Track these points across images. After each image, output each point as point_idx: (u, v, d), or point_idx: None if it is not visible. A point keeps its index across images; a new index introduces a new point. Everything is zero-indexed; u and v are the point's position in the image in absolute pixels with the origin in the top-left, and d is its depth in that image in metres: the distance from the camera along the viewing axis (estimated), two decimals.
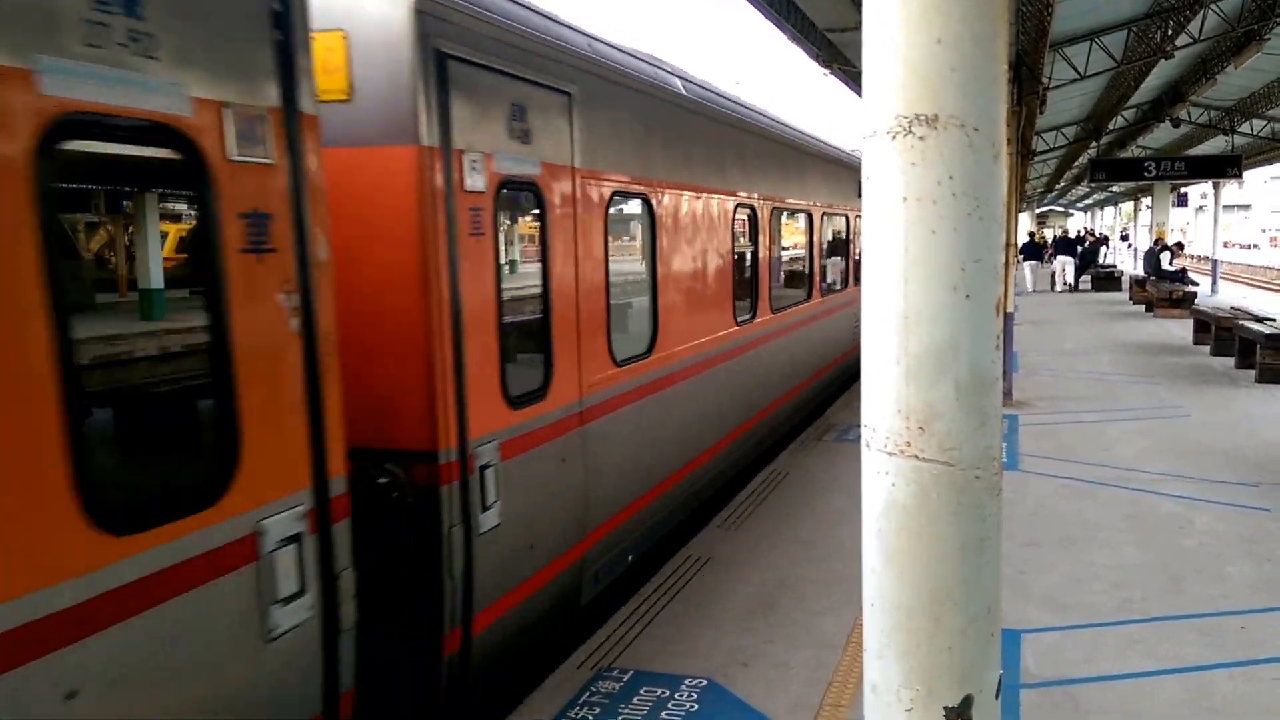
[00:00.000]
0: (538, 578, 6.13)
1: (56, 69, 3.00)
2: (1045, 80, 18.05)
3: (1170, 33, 17.73)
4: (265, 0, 3.86)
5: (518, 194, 6.04)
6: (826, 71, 18.63)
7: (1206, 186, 40.08)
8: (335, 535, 4.19)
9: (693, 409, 8.91)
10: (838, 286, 15.82)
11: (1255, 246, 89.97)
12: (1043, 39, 14.47)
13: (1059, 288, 39.15)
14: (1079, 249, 41.85)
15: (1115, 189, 52.07)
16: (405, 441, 5.08)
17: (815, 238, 13.95)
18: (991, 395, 2.20)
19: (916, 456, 2.19)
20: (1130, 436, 11.93)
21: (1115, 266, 44.22)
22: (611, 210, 7.15)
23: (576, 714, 5.53)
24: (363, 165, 4.97)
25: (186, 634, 3.49)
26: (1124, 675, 5.84)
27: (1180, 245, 38.05)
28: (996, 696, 2.33)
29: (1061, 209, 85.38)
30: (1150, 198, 39.65)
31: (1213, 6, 16.76)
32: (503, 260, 5.89)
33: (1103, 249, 47.84)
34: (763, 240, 11.24)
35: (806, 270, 13.96)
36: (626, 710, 5.56)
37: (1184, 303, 26.10)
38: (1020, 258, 35.43)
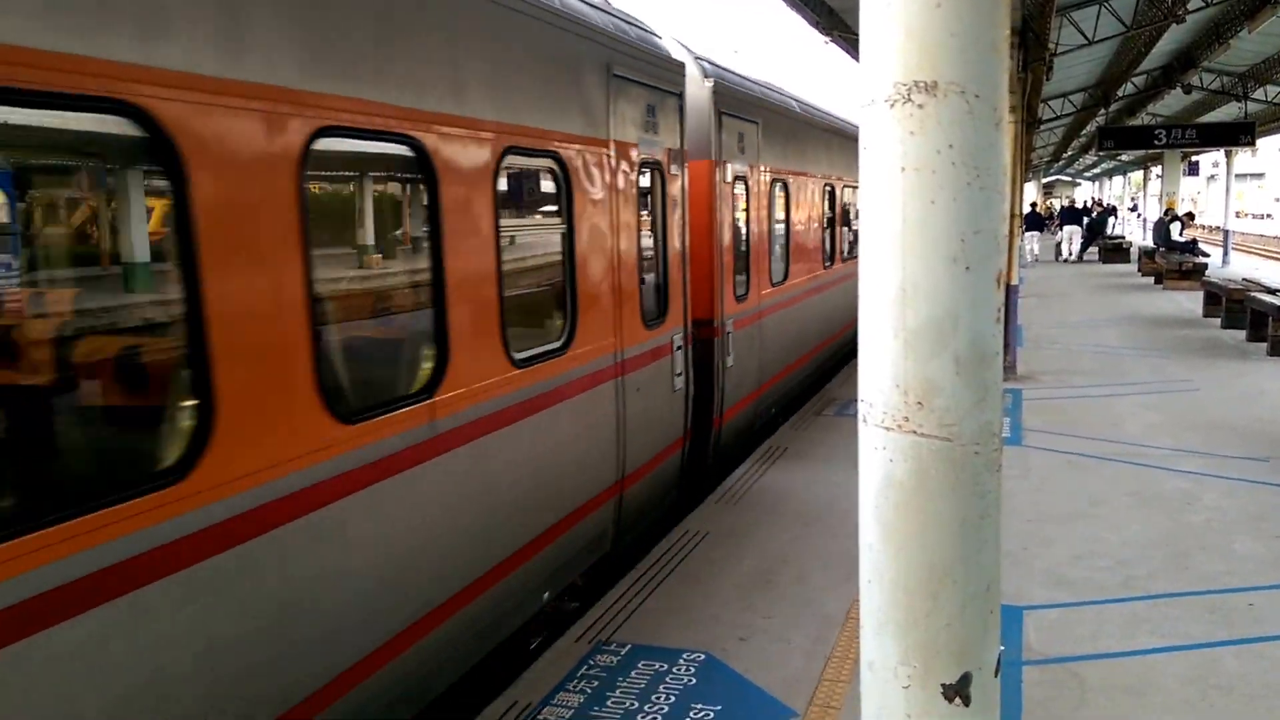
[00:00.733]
0: (743, 402, 10.83)
1: (643, 141, 7.76)
2: (1052, 46, 17.86)
3: None
4: (680, 99, 8.66)
5: (740, 181, 10.74)
6: (827, 39, 18.48)
7: (1218, 155, 39.77)
8: (689, 351, 8.92)
9: (803, 322, 13.72)
10: None
11: (1269, 216, 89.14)
12: (1049, 3, 14.31)
13: (1064, 258, 39.15)
14: (1085, 219, 41.71)
15: (1124, 158, 51.77)
16: (704, 315, 9.68)
17: None
18: (992, 369, 2.15)
19: (915, 432, 2.14)
20: (1137, 411, 11.88)
21: (1124, 237, 43.99)
22: (773, 189, 12.13)
23: (575, 687, 5.54)
24: (692, 169, 9.21)
25: (662, 376, 8.26)
26: (1129, 653, 5.81)
27: (1191, 215, 37.86)
28: (996, 674, 2.30)
29: (1069, 179, 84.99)
30: (1160, 166, 39.51)
31: None
32: (736, 217, 10.63)
33: (1111, 219, 47.63)
34: (838, 208, 16.10)
35: None
36: (624, 683, 5.56)
37: (1194, 274, 26.00)
38: (1023, 228, 35.34)
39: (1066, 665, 5.65)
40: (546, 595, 6.43)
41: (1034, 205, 42.61)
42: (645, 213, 8.00)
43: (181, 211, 3.63)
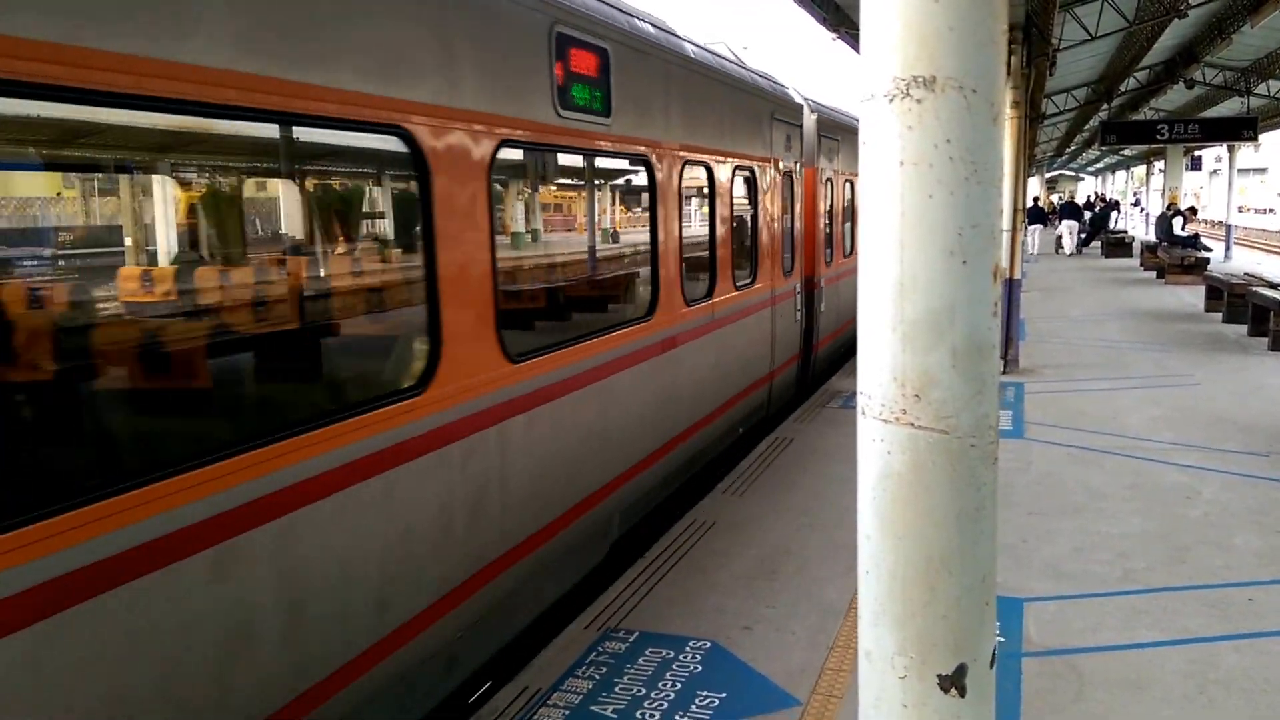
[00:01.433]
0: (827, 338, 14.76)
1: (784, 157, 12.31)
2: (1055, 41, 17.85)
3: None
4: (800, 129, 12.98)
5: (829, 182, 14.72)
6: (834, 35, 18.48)
7: (1221, 149, 39.83)
8: (801, 296, 13.03)
9: (851, 294, 15.90)
10: None
11: (1271, 211, 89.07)
12: None
13: (1063, 251, 39.44)
14: (1088, 214, 41.83)
15: (1127, 152, 51.76)
16: (809, 273, 13.66)
17: None
18: (988, 363, 2.17)
19: (912, 424, 2.16)
20: (1138, 405, 11.89)
21: (1126, 232, 43.98)
22: (846, 187, 16.06)
23: (583, 674, 5.58)
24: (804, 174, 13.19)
25: (791, 310, 12.53)
26: (1127, 646, 5.83)
27: (1193, 210, 37.80)
28: (991, 666, 2.31)
29: (1072, 173, 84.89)
30: (1163, 161, 39.47)
31: None
32: (826, 207, 14.56)
33: (1113, 214, 47.63)
34: None
35: None
36: (632, 670, 5.60)
37: (1196, 269, 25.97)
38: (1026, 222, 35.45)
39: (1065, 658, 5.67)
40: (740, 430, 10.87)
41: (1036, 200, 42.66)
42: (784, 203, 12.20)
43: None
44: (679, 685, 5.44)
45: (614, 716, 5.15)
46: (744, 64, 11.39)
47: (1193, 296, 22.27)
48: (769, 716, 5.15)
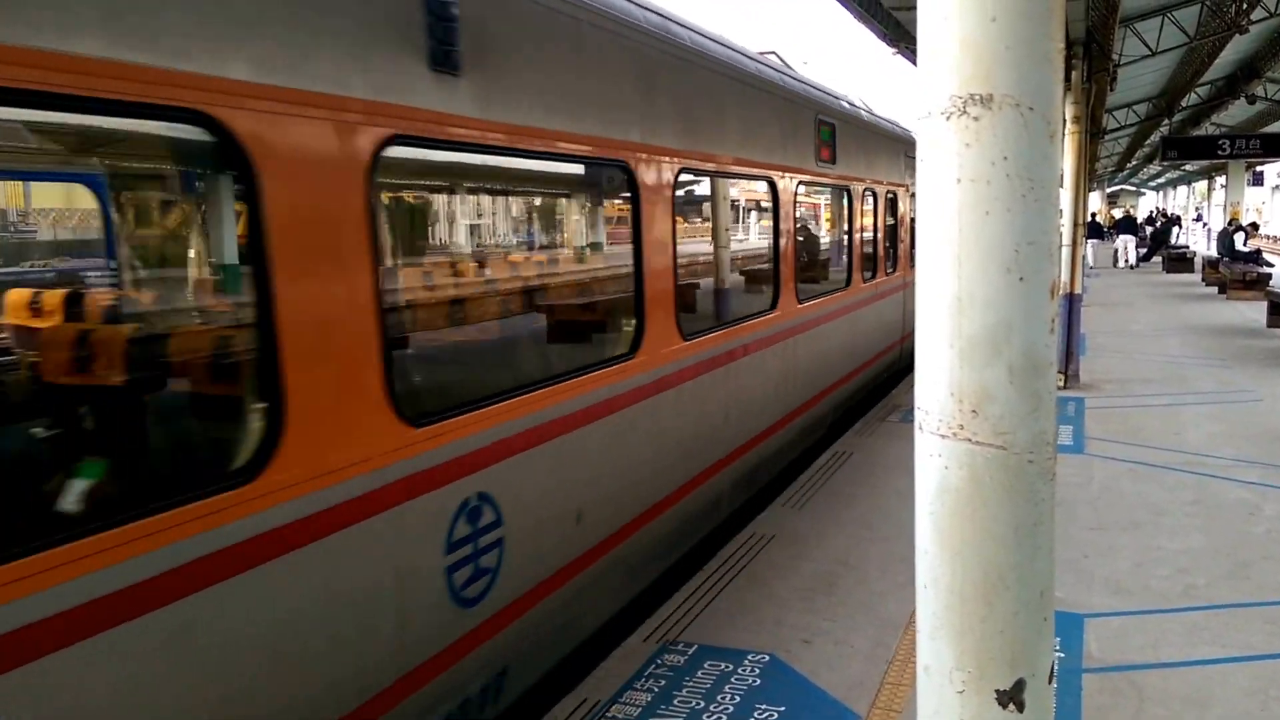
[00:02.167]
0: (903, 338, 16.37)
1: (908, 182, 16.40)
2: (1115, 57, 17.70)
3: (1245, 6, 17.31)
4: (913, 158, 13.29)
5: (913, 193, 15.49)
6: (894, 50, 18.50)
7: None
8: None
9: None
10: None
11: None
12: (1113, 14, 14.19)
13: (1120, 265, 39.16)
14: (1149, 229, 41.44)
15: (1188, 167, 51.06)
16: (899, 275, 16.14)
17: None
18: (1045, 378, 2.18)
19: (969, 440, 2.17)
20: (1200, 420, 11.73)
21: (1187, 247, 43.38)
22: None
23: (642, 686, 5.60)
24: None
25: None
26: (1189, 663, 5.76)
27: (1255, 225, 37.24)
28: (1050, 681, 2.32)
29: (1133, 188, 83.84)
30: (1224, 176, 38.89)
31: None
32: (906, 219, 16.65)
33: (1174, 229, 47.04)
34: None
35: None
36: (691, 683, 5.61)
37: (1258, 284, 25.52)
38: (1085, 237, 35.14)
39: (1126, 674, 5.62)
40: (879, 378, 14.93)
41: (1094, 215, 42.26)
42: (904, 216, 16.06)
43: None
44: (737, 699, 5.45)
45: None
46: (895, 122, 16.58)
47: (1254, 312, 21.89)
48: None
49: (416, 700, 4.61)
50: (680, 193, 7.27)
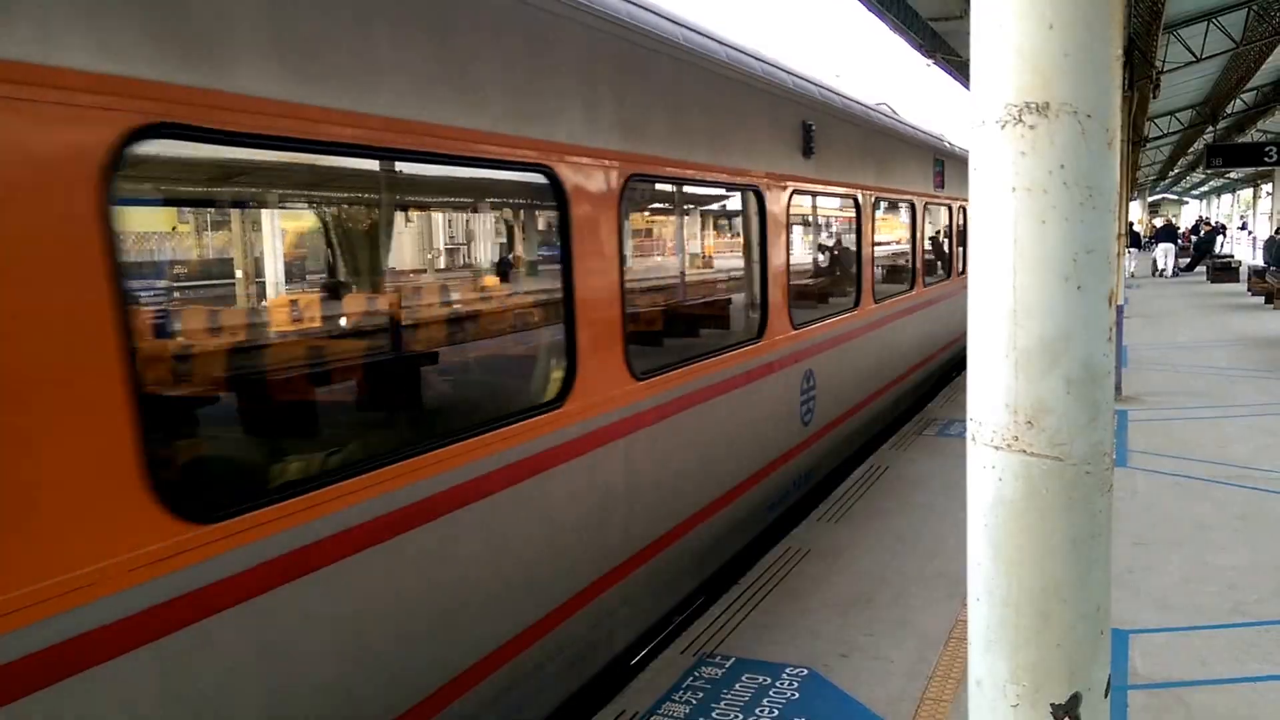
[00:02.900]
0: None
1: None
2: (1159, 64, 17.56)
3: None
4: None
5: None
6: (930, 61, 18.46)
7: None
8: None
9: None
10: None
11: None
12: (1156, 21, 14.08)
13: (1159, 273, 39.21)
14: (1193, 238, 41.24)
15: (1233, 175, 50.50)
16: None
17: None
18: (1103, 389, 2.15)
19: (1025, 451, 2.15)
20: (1246, 433, 11.57)
21: (1232, 256, 42.93)
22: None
23: (680, 698, 5.59)
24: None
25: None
26: (1237, 679, 5.68)
27: None
28: (1105, 696, 2.29)
29: (1175, 197, 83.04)
30: (1271, 184, 38.44)
31: None
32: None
33: (1219, 238, 46.59)
34: None
35: None
36: (729, 696, 5.60)
37: None
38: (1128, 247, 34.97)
39: (1173, 690, 5.54)
40: (934, 376, 16.18)
41: (1132, 224, 41.99)
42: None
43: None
44: (775, 712, 5.42)
45: None
46: (953, 143, 17.85)
47: None
48: None
49: (785, 470, 8.88)
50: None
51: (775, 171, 8.37)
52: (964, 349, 15.32)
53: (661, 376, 6.46)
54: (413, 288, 13.62)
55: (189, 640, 3.40)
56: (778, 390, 8.53)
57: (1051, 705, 2.21)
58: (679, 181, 7.83)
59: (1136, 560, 7.51)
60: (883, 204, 12.37)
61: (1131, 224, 44.40)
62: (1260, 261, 33.25)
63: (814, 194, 10.00)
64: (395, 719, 4.34)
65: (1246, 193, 61.79)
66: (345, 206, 8.60)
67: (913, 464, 10.73)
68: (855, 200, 11.15)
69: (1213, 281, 36.12)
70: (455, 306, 12.31)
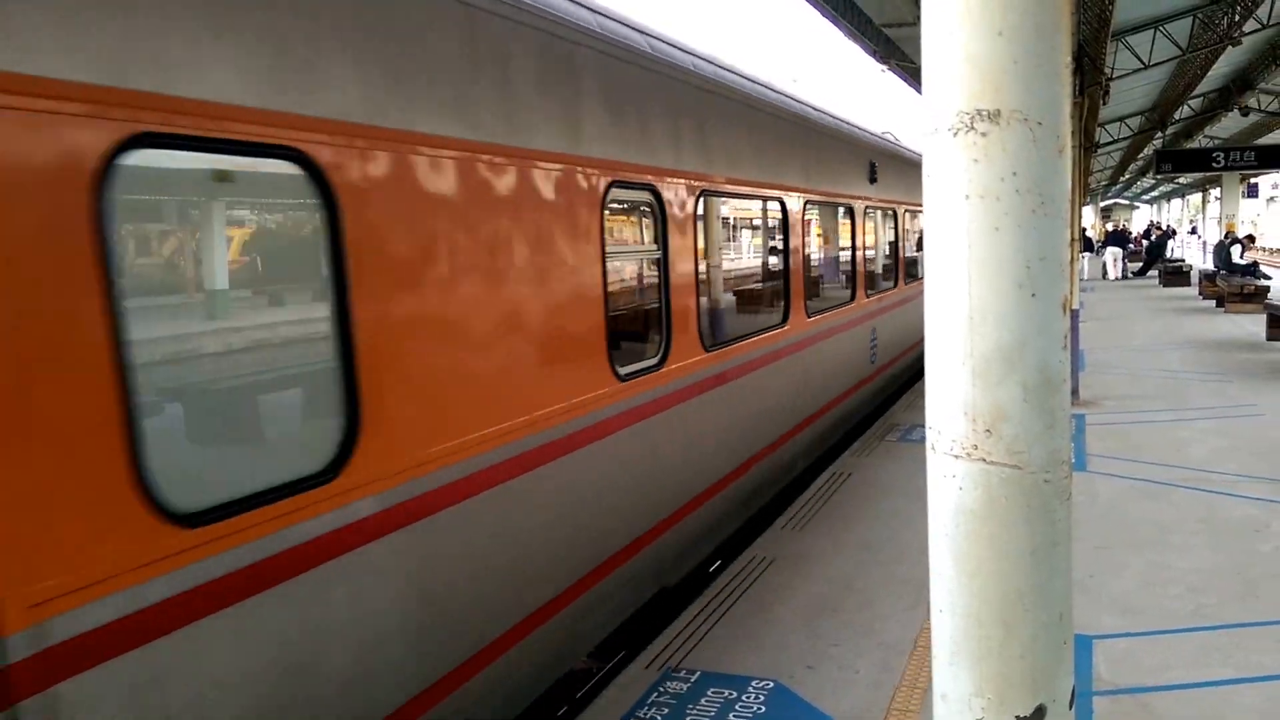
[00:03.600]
0: None
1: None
2: (1108, 70, 17.76)
3: (1238, 18, 17.36)
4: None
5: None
6: (884, 68, 18.61)
7: (1278, 176, 39.28)
8: None
9: None
10: None
11: None
12: (1105, 28, 14.24)
13: (1111, 277, 40.03)
14: (1145, 242, 42.08)
15: (1182, 180, 51.20)
16: None
17: None
18: (1060, 396, 2.14)
19: (984, 459, 2.14)
20: (1203, 436, 11.68)
21: (1183, 261, 43.53)
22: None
23: (645, 714, 5.53)
24: None
25: None
26: (1200, 684, 5.70)
27: (1251, 238, 37.21)
28: (1070, 706, 2.28)
29: (1126, 202, 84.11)
30: (1219, 189, 39.02)
31: None
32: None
33: (1169, 243, 47.26)
34: None
35: None
36: (694, 711, 5.55)
37: (1256, 298, 25.49)
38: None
39: (1137, 696, 5.55)
40: None
41: (1084, 229, 42.66)
42: None
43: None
44: None
45: None
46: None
47: (1254, 325, 21.90)
48: None
49: (860, 395, 12.78)
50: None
51: (860, 194, 13.06)
52: None
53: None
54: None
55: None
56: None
57: (1017, 717, 2.19)
58: (828, 204, 11.85)
59: (1098, 565, 7.54)
60: (908, 214, 16.86)
61: (1085, 229, 45.04)
62: (1210, 265, 33.69)
63: (879, 209, 14.51)
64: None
65: (1196, 197, 62.67)
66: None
67: (876, 470, 10.75)
68: (894, 212, 15.75)
69: (1165, 285, 36.56)
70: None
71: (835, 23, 16.40)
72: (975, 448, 2.14)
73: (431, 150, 4.49)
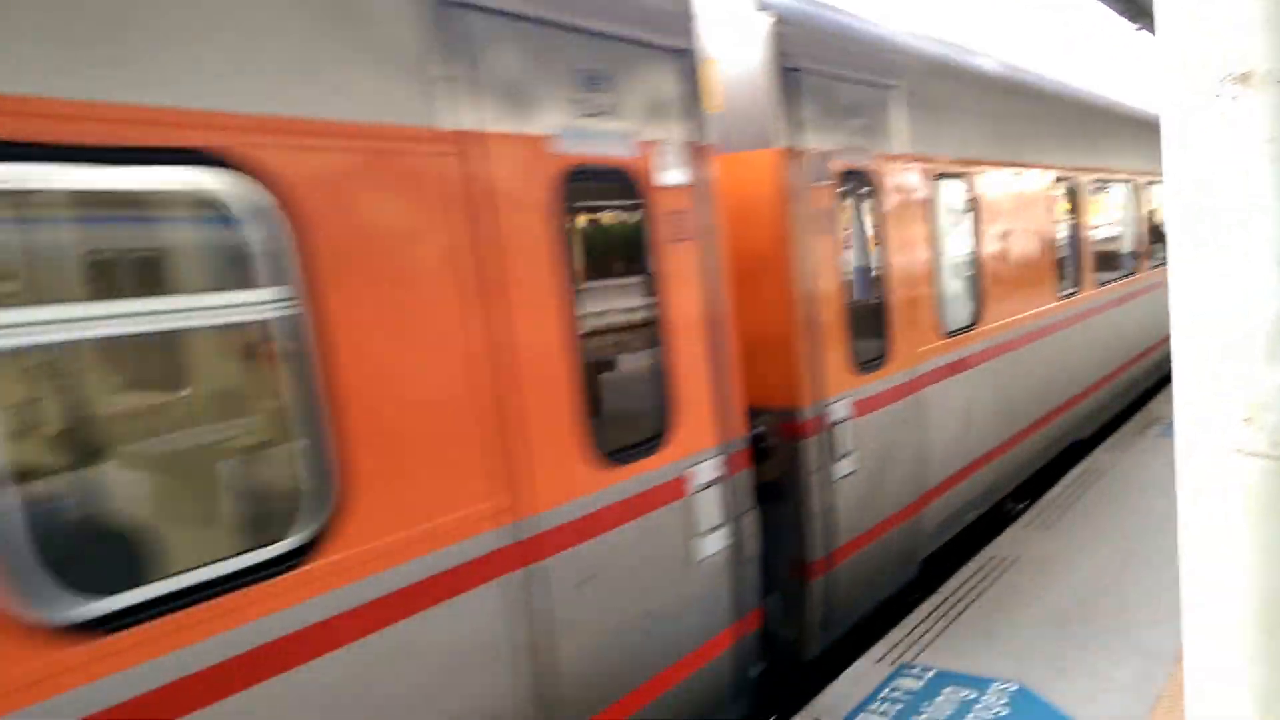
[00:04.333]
0: None
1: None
2: None
3: None
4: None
5: None
6: (1138, 26, 17.62)
7: None
8: None
9: None
10: None
11: None
12: None
13: None
14: None
15: None
16: None
17: None
18: None
19: (1241, 451, 1.97)
20: None
21: None
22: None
23: (877, 709, 5.41)
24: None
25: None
26: None
27: None
28: None
29: None
30: None
31: None
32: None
33: None
34: None
35: None
36: (929, 709, 5.39)
37: None
38: None
39: None
40: None
41: None
42: None
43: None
44: None
45: None
46: None
47: None
48: None
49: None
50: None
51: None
52: None
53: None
54: None
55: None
56: None
57: None
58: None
59: None
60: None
61: None
62: None
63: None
64: None
65: None
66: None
67: (1134, 467, 10.16)
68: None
69: None
70: None
71: None
72: (1231, 440, 1.98)
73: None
